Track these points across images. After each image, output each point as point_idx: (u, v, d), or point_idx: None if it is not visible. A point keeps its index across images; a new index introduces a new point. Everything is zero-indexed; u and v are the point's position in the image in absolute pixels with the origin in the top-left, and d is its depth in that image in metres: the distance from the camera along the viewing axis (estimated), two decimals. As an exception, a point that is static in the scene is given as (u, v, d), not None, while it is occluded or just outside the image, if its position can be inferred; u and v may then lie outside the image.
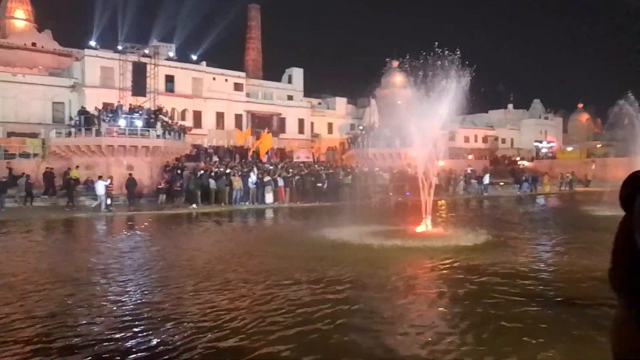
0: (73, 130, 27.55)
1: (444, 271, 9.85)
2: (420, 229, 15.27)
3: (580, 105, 76.18)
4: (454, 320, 6.68)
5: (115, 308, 7.36)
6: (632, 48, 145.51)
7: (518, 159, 58.65)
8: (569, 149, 62.81)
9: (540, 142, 64.93)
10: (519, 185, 36.96)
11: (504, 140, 66.90)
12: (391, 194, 27.38)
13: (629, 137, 28.40)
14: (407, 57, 17.32)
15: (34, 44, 51.25)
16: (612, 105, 29.70)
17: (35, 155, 29.18)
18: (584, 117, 75.29)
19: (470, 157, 50.40)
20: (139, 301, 7.82)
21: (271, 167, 29.66)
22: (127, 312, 7.12)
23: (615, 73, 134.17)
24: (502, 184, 37.80)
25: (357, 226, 15.39)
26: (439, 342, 5.83)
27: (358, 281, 8.85)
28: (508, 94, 75.63)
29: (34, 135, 34.35)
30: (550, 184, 39.59)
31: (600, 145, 62.61)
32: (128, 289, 8.54)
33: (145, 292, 8.38)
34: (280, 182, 25.96)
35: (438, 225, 15.89)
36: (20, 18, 58.15)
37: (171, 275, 9.58)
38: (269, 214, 22.70)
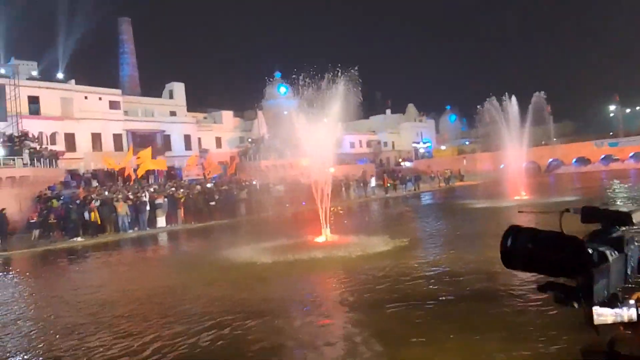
0: None
1: (349, 282, 9.99)
2: (320, 239, 15.47)
3: (448, 107, 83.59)
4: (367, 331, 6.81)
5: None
6: (492, 56, 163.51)
7: (400, 160, 62.56)
8: (443, 147, 68.59)
9: (418, 143, 70.02)
10: (404, 185, 39.36)
11: (385, 144, 70.86)
12: (287, 205, 27.41)
13: (492, 134, 31.74)
14: (294, 70, 17.61)
15: None
16: (476, 106, 32.93)
17: None
18: (452, 117, 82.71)
19: (359, 162, 52.62)
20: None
21: (161, 187, 28.14)
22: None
23: (476, 77, 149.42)
24: (389, 185, 39.88)
25: (258, 243, 15.14)
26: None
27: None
28: (384, 100, 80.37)
29: None
30: (430, 182, 42.95)
31: (468, 143, 69.23)
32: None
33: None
34: (172, 204, 24.69)
35: (337, 233, 16.19)
36: None
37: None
38: (165, 238, 21.42)
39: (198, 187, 28.90)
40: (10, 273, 15.38)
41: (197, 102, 55.37)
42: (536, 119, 32.15)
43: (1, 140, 25.96)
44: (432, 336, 6.35)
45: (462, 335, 6.26)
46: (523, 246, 1.09)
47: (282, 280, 10.60)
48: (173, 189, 28.03)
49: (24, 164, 25.20)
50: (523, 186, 26.63)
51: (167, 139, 46.72)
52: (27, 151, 26.05)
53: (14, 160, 24.95)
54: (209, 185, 30.36)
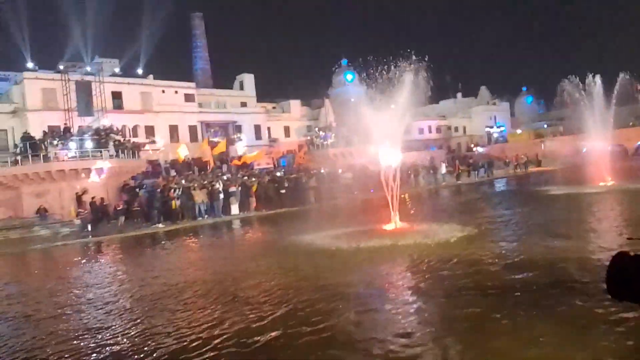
0: (19, 157, 26.19)
1: (420, 270, 9.88)
2: (389, 226, 15.38)
3: (524, 89, 79.14)
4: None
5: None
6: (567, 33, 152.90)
7: (472, 145, 60.36)
8: (518, 131, 65.26)
9: (491, 127, 67.10)
10: (476, 172, 38.08)
11: (456, 129, 68.62)
12: (356, 192, 27.48)
13: (573, 116, 29.75)
14: (360, 58, 17.49)
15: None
16: (554, 87, 30.99)
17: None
18: (529, 99, 78.31)
19: (430, 148, 51.49)
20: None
21: (234, 177, 29.22)
22: None
23: (554, 56, 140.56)
24: (460, 171, 38.75)
25: (327, 230, 15.32)
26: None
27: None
28: (455, 83, 77.59)
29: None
30: (504, 167, 41.14)
31: (546, 126, 65.40)
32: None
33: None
34: (244, 192, 25.60)
35: (406, 221, 16.01)
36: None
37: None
38: (240, 225, 22.29)
39: (267, 176, 29.70)
40: (100, 256, 16.71)
41: (265, 93, 56.62)
42: (622, 98, 29.72)
43: (90, 134, 28.03)
44: (515, 325, 6.16)
45: (544, 324, 6.04)
46: (634, 277, 1.01)
47: (352, 267, 10.68)
48: (245, 177, 29.00)
49: (110, 156, 27.12)
50: (608, 171, 24.85)
51: (238, 129, 48.27)
52: (112, 144, 27.98)
53: (101, 152, 26.92)
54: (278, 173, 31.08)
